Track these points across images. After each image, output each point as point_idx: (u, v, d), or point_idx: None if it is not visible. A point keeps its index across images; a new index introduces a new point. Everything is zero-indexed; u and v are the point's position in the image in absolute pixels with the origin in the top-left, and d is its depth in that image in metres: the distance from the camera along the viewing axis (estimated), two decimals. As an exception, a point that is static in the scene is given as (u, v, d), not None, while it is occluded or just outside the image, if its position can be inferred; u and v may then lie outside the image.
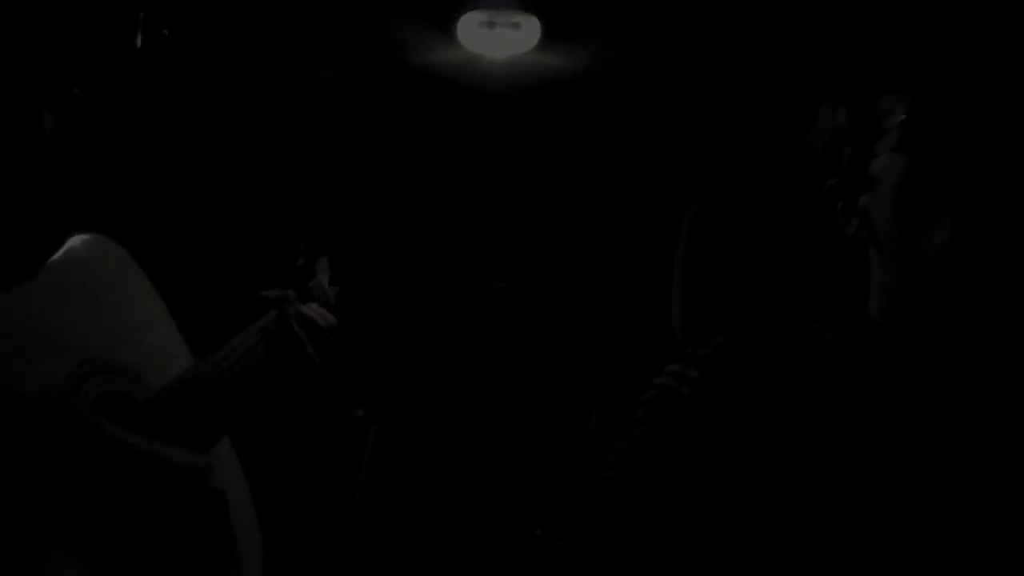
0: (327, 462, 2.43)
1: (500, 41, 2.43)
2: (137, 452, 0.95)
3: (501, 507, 2.79)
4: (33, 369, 0.91)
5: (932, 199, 0.76)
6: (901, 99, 0.80)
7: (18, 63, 0.75)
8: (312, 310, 1.26)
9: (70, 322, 0.97)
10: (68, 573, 0.84)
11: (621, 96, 2.66)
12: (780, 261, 1.05)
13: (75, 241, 1.01)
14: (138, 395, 1.01)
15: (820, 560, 0.74)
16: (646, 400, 0.86)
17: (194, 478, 0.99)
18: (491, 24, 2.36)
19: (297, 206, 2.82)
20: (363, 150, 2.90)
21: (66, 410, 0.91)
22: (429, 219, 3.16)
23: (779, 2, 2.19)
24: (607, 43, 2.44)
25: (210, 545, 1.01)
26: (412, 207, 3.10)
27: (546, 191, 3.10)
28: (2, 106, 0.76)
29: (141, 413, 1.00)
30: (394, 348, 3.06)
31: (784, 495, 0.77)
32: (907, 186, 0.78)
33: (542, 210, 3.15)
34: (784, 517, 0.76)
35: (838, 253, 0.90)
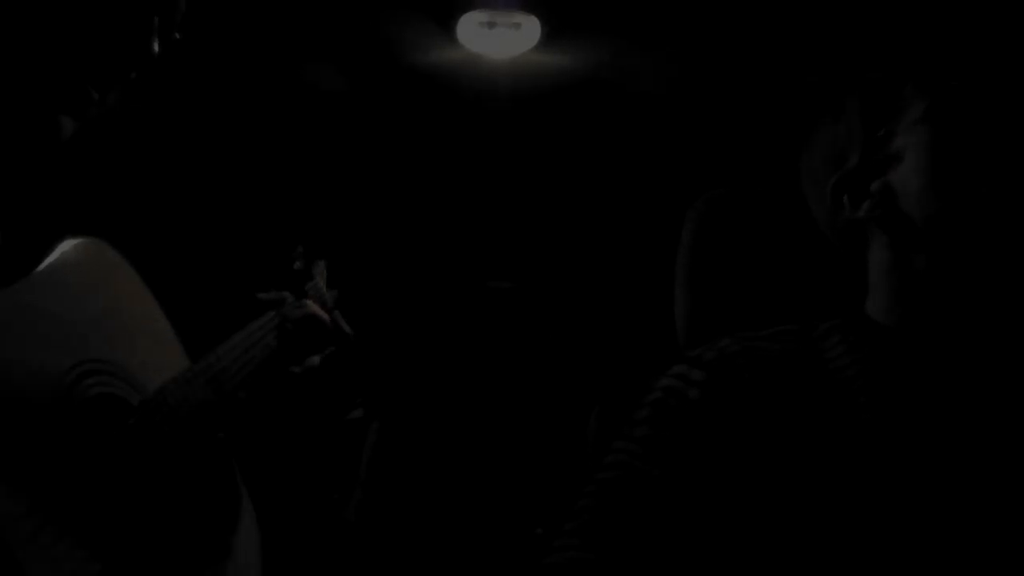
0: (327, 462, 2.43)
1: (500, 41, 2.43)
2: (136, 447, 0.96)
3: (501, 507, 2.79)
4: (29, 369, 0.91)
5: (970, 150, 0.78)
6: (921, 84, 0.83)
7: (36, 67, 0.75)
8: (313, 307, 1.26)
9: (65, 325, 0.97)
10: (72, 565, 0.85)
11: (622, 96, 2.66)
12: (784, 260, 1.05)
13: (69, 244, 1.01)
14: (133, 397, 1.02)
15: (823, 563, 0.74)
16: (650, 401, 0.86)
17: (195, 470, 1.00)
18: (491, 24, 2.36)
19: (295, 209, 2.82)
20: (362, 151, 2.90)
21: (66, 403, 0.91)
22: (430, 220, 3.16)
23: (782, 1, 2.19)
24: (608, 43, 2.44)
25: (211, 539, 1.02)
26: (413, 208, 3.10)
27: (547, 191, 3.09)
28: (19, 110, 0.76)
29: (136, 415, 1.00)
30: (395, 348, 3.06)
31: (788, 498, 0.76)
32: (942, 143, 0.80)
33: (543, 210, 3.15)
34: (787, 520, 0.76)
35: (841, 252, 0.90)
